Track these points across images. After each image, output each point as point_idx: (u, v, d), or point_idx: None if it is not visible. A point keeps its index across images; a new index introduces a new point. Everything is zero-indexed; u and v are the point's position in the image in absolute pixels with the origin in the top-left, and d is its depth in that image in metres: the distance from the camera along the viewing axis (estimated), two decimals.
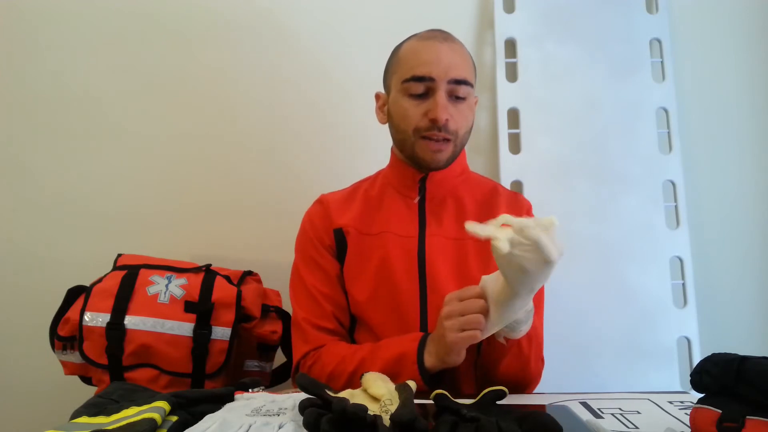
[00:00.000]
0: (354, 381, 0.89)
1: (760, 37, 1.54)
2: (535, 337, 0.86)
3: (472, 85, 0.96)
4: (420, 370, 0.84)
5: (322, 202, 1.08)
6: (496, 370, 0.89)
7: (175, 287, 1.11)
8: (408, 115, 0.95)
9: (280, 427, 0.61)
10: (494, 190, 1.07)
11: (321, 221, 1.05)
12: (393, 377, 0.82)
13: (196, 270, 1.16)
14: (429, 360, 0.85)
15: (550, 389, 0.97)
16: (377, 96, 1.06)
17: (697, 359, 1.36)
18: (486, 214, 1.03)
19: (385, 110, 1.03)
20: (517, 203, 1.06)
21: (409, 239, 0.99)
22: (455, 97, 0.95)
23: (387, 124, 1.05)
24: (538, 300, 1.01)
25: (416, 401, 0.64)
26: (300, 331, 1.01)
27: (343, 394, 0.68)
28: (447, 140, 0.95)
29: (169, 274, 1.14)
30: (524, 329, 0.80)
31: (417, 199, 1.02)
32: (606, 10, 1.50)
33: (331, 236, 1.03)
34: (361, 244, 1.01)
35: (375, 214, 1.04)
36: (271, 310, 1.22)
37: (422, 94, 0.94)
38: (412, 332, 0.93)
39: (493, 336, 0.81)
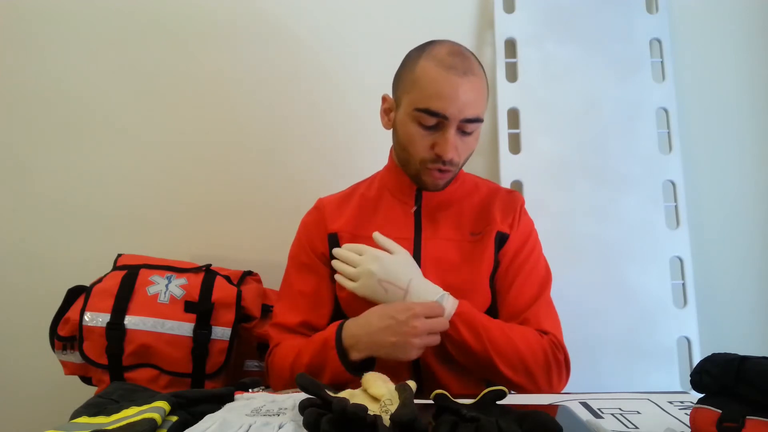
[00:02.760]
0: (294, 371, 0.91)
1: (760, 37, 1.54)
2: (461, 320, 0.90)
3: (482, 120, 0.96)
4: (341, 358, 0.87)
5: (318, 208, 1.08)
6: (457, 361, 0.94)
7: (175, 287, 1.11)
8: (415, 144, 0.95)
9: (280, 427, 0.61)
10: (490, 191, 1.08)
11: (316, 227, 1.05)
12: (320, 367, 0.88)
13: (196, 270, 1.16)
14: (356, 356, 0.88)
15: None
16: (384, 98, 1.04)
17: (697, 359, 1.36)
18: (483, 214, 1.03)
19: (391, 117, 1.01)
20: (511, 201, 1.06)
21: (405, 242, 0.99)
22: (463, 132, 0.94)
23: (390, 130, 1.04)
24: (538, 294, 1.01)
25: (416, 401, 0.64)
26: (269, 332, 1.03)
27: (343, 394, 0.68)
28: (449, 170, 0.97)
29: (169, 274, 1.14)
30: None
31: (415, 209, 1.03)
32: (606, 10, 1.50)
33: (325, 242, 1.03)
34: None
35: (371, 217, 1.04)
36: (271, 310, 1.22)
37: (432, 126, 0.93)
38: None
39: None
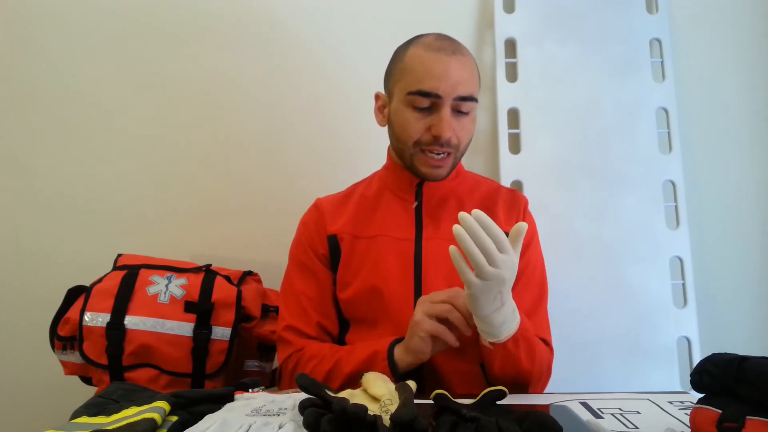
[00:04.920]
0: (330, 380, 0.90)
1: (760, 37, 1.54)
2: (523, 338, 0.85)
3: (476, 100, 0.95)
4: (390, 366, 0.86)
5: (317, 207, 1.07)
6: (492, 372, 0.89)
7: (175, 287, 1.11)
8: (410, 128, 0.94)
9: (280, 427, 0.61)
10: (492, 189, 1.07)
11: (315, 227, 1.04)
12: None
13: (196, 270, 1.17)
14: (398, 353, 0.87)
15: (550, 389, 0.97)
16: (377, 96, 1.04)
17: (697, 359, 1.36)
18: (486, 213, 1.03)
19: (385, 113, 1.01)
20: (515, 201, 1.06)
21: (406, 242, 0.99)
22: (459, 112, 0.94)
23: (385, 127, 1.04)
24: (538, 302, 1.01)
25: (416, 401, 0.64)
26: (284, 336, 1.01)
27: (343, 394, 0.68)
28: (448, 154, 0.95)
29: (169, 274, 1.14)
30: (505, 334, 0.81)
31: (416, 204, 1.02)
32: (606, 10, 1.50)
33: (324, 244, 1.02)
34: (356, 247, 1.01)
35: (371, 217, 1.03)
36: (271, 310, 1.22)
37: (426, 108, 0.93)
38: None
39: (480, 341, 0.85)
